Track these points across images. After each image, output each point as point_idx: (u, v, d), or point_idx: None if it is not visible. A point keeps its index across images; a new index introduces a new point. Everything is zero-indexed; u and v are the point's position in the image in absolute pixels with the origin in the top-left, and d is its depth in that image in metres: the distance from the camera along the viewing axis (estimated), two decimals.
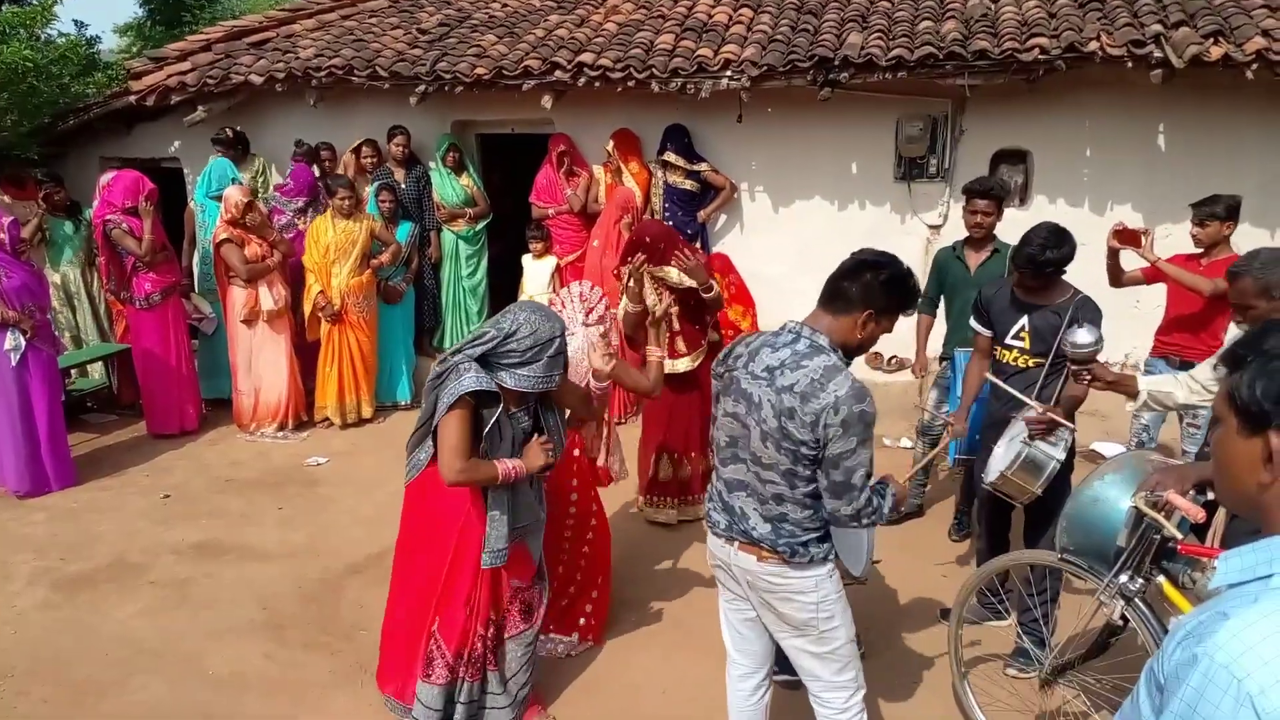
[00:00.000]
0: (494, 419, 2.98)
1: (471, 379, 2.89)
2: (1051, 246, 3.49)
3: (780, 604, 2.55)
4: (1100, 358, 3.22)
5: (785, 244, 7.14)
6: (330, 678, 3.74)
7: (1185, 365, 4.72)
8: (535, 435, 3.13)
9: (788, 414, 2.37)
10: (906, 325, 4.91)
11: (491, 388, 2.93)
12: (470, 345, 2.99)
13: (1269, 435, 1.23)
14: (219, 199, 6.73)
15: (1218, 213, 4.63)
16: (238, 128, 7.37)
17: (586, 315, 3.79)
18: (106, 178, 6.32)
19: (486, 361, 2.97)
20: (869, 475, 2.42)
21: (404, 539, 3.33)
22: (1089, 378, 3.17)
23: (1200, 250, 4.72)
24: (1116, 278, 4.81)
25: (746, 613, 2.74)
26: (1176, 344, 4.85)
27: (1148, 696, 1.25)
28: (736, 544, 2.57)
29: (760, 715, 2.88)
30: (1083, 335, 3.13)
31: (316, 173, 7.26)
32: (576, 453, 3.86)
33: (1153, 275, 4.76)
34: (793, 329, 2.51)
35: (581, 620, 3.94)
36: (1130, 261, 4.77)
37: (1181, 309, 4.79)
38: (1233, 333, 4.23)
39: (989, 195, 4.55)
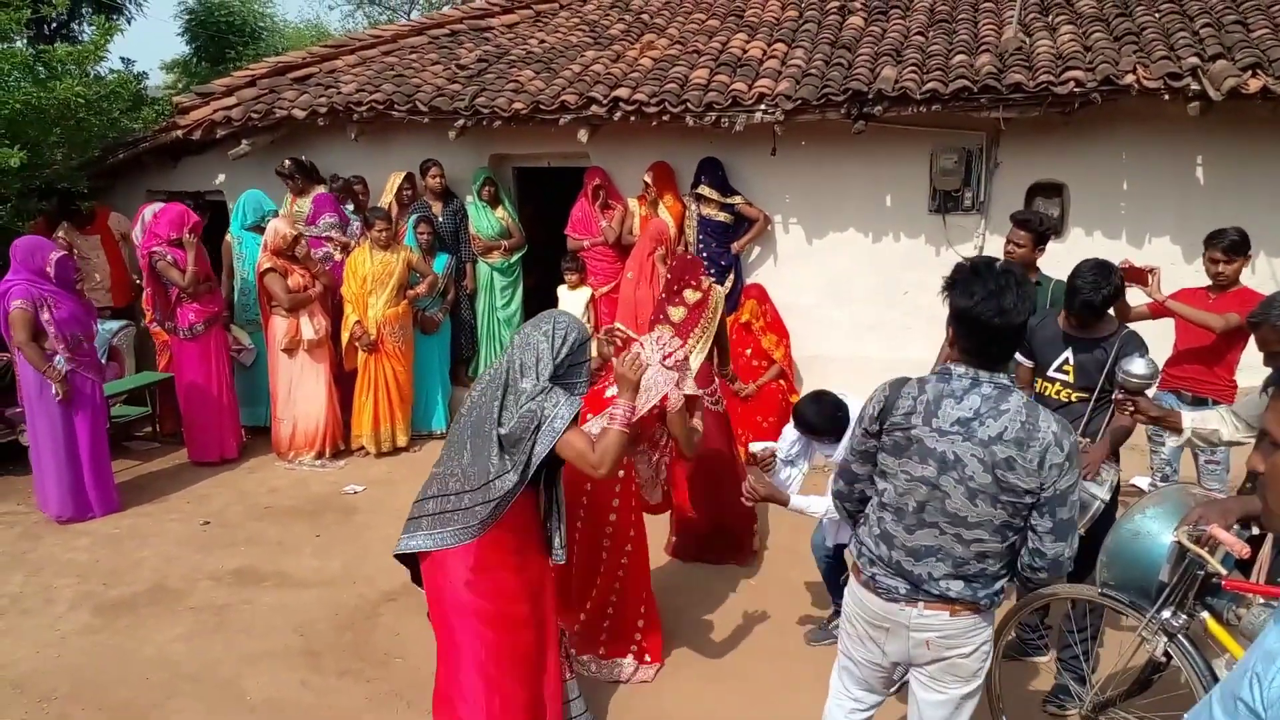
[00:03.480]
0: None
1: (566, 406, 2.86)
2: (1104, 286, 3.47)
3: (962, 657, 2.44)
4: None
5: (818, 275, 7.15)
6: (366, 704, 3.76)
7: (1198, 400, 4.63)
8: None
9: (1005, 465, 2.24)
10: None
11: (579, 405, 2.94)
12: (537, 369, 2.90)
13: None
14: (256, 229, 6.88)
15: (1243, 246, 4.55)
16: (302, 157, 7.49)
17: (664, 360, 3.81)
18: (152, 210, 6.48)
19: (558, 379, 2.93)
20: None
21: (520, 581, 3.05)
22: (1133, 409, 3.14)
23: (1224, 284, 4.63)
24: (1123, 314, 4.70)
25: (882, 672, 2.63)
26: (1189, 378, 4.73)
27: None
28: (921, 604, 2.41)
29: None
30: (1140, 366, 3.12)
31: (350, 206, 7.37)
32: (619, 472, 3.83)
33: (1159, 311, 4.67)
34: (964, 374, 2.33)
35: (635, 642, 3.92)
36: (1136, 297, 4.66)
37: (1192, 342, 4.69)
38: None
39: (1025, 226, 4.54)
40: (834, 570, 4.15)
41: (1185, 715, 1.40)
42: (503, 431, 2.86)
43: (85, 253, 7.51)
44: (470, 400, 3.02)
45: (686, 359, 3.97)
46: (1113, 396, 3.37)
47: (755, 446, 4.18)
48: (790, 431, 4.06)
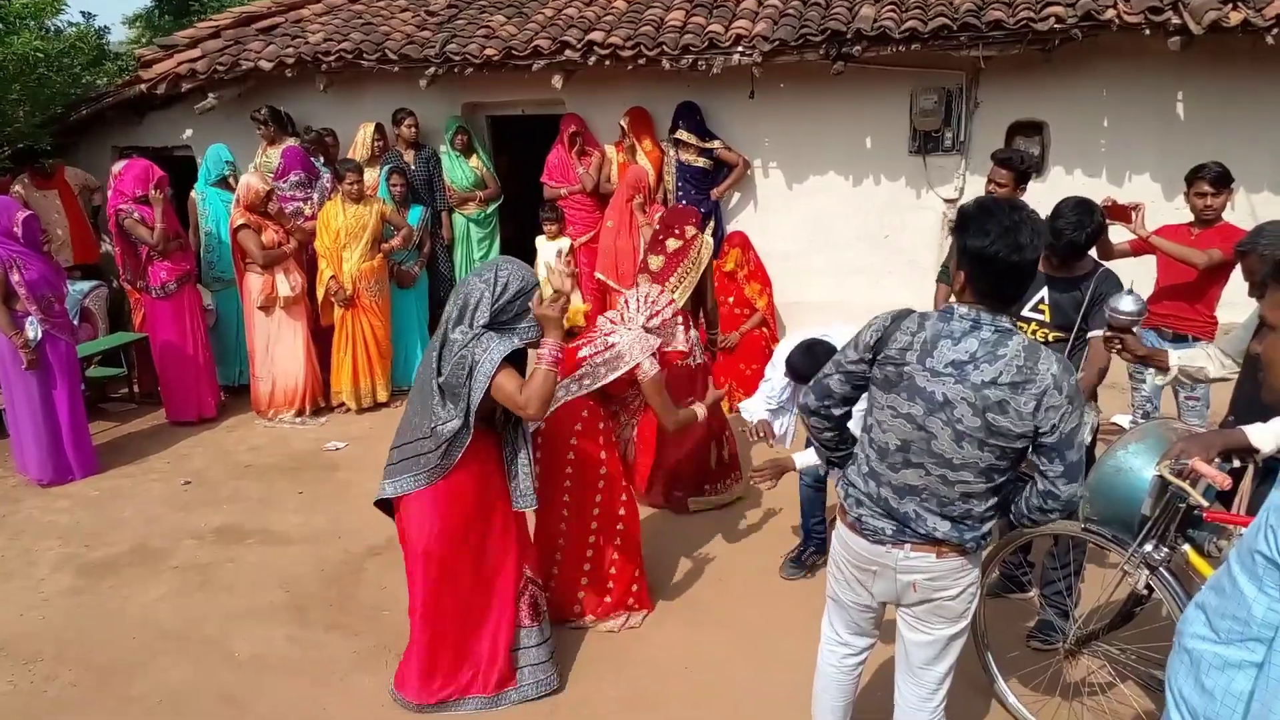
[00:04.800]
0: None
1: (498, 346, 2.93)
2: (1087, 224, 3.44)
3: (949, 599, 2.44)
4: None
5: (799, 221, 7.12)
6: (353, 658, 3.77)
7: (1179, 337, 4.63)
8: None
9: (997, 409, 2.22)
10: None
11: (517, 345, 3.00)
12: (473, 315, 2.99)
13: None
14: (221, 184, 6.75)
15: (1227, 178, 4.51)
16: (279, 107, 7.35)
17: (648, 319, 3.76)
18: (118, 167, 6.33)
19: (495, 326, 3.01)
20: None
21: (465, 526, 3.20)
22: (1119, 346, 3.13)
23: (1210, 218, 4.61)
24: (1106, 252, 4.68)
25: (871, 613, 2.66)
26: (1170, 314, 4.72)
27: (1250, 579, 1.33)
28: (908, 545, 2.40)
29: (856, 684, 2.84)
30: (1128, 303, 3.09)
31: (321, 160, 7.23)
32: (602, 425, 3.81)
33: (1140, 248, 4.64)
34: (966, 315, 2.28)
35: (632, 594, 3.94)
36: (1118, 235, 4.65)
37: (1173, 279, 4.66)
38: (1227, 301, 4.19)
39: (1007, 165, 4.49)
40: (813, 499, 4.22)
41: (1206, 581, 1.48)
42: (440, 380, 2.99)
43: (44, 210, 7.35)
44: (425, 352, 3.12)
45: (676, 316, 3.90)
46: (1101, 334, 3.34)
47: (745, 412, 4.19)
48: (777, 378, 4.06)
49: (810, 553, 4.31)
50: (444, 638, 3.32)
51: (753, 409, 4.17)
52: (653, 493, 4.94)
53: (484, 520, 3.23)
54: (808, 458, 3.71)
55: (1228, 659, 1.44)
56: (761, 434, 4.07)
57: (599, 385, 3.69)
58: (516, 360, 3.05)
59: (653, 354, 3.66)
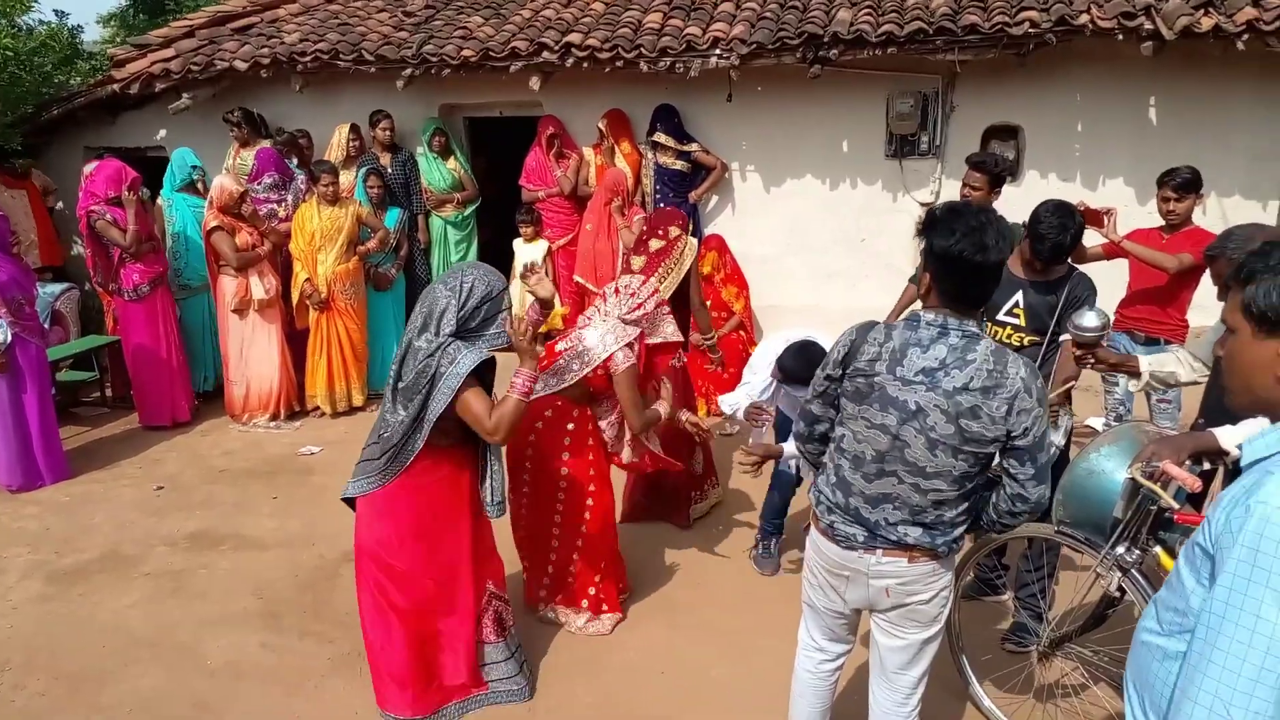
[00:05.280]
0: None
1: (467, 358, 2.88)
2: (1070, 226, 3.45)
3: (922, 604, 2.44)
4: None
5: (776, 224, 7.13)
6: (327, 665, 3.74)
7: (1150, 341, 4.67)
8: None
9: (970, 414, 2.22)
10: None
11: (485, 355, 2.95)
12: (438, 323, 2.93)
13: None
14: (188, 189, 6.68)
15: (1194, 184, 4.57)
16: (253, 110, 7.27)
17: (629, 311, 3.67)
18: (89, 168, 6.25)
19: (463, 334, 2.96)
20: None
21: (409, 535, 3.15)
22: (1092, 360, 3.15)
23: (1175, 223, 4.64)
24: (1079, 256, 4.70)
25: (845, 620, 2.66)
26: (1142, 318, 4.77)
27: (1191, 570, 1.40)
28: (880, 550, 2.40)
29: (833, 689, 2.84)
30: (1090, 319, 3.10)
31: (294, 161, 7.17)
32: (570, 426, 3.76)
33: (1113, 251, 4.69)
34: (932, 321, 2.29)
35: (588, 596, 3.89)
36: (1091, 239, 4.68)
37: (1145, 283, 4.71)
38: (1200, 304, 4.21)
39: (981, 169, 4.52)
40: (777, 506, 4.28)
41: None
42: (401, 385, 2.95)
43: (13, 210, 7.26)
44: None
45: (660, 306, 3.81)
46: (1069, 346, 3.37)
47: (725, 405, 4.17)
48: (757, 381, 4.04)
49: (776, 541, 4.35)
50: (400, 649, 3.22)
51: (735, 400, 4.15)
52: (645, 515, 4.82)
53: (437, 530, 3.17)
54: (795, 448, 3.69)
55: (1167, 650, 1.48)
56: (754, 417, 3.99)
57: (570, 381, 3.63)
58: (483, 369, 3.01)
59: (628, 345, 3.58)
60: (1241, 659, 1.29)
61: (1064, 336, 3.47)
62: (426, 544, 3.17)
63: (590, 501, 3.80)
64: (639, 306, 3.69)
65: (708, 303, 6.25)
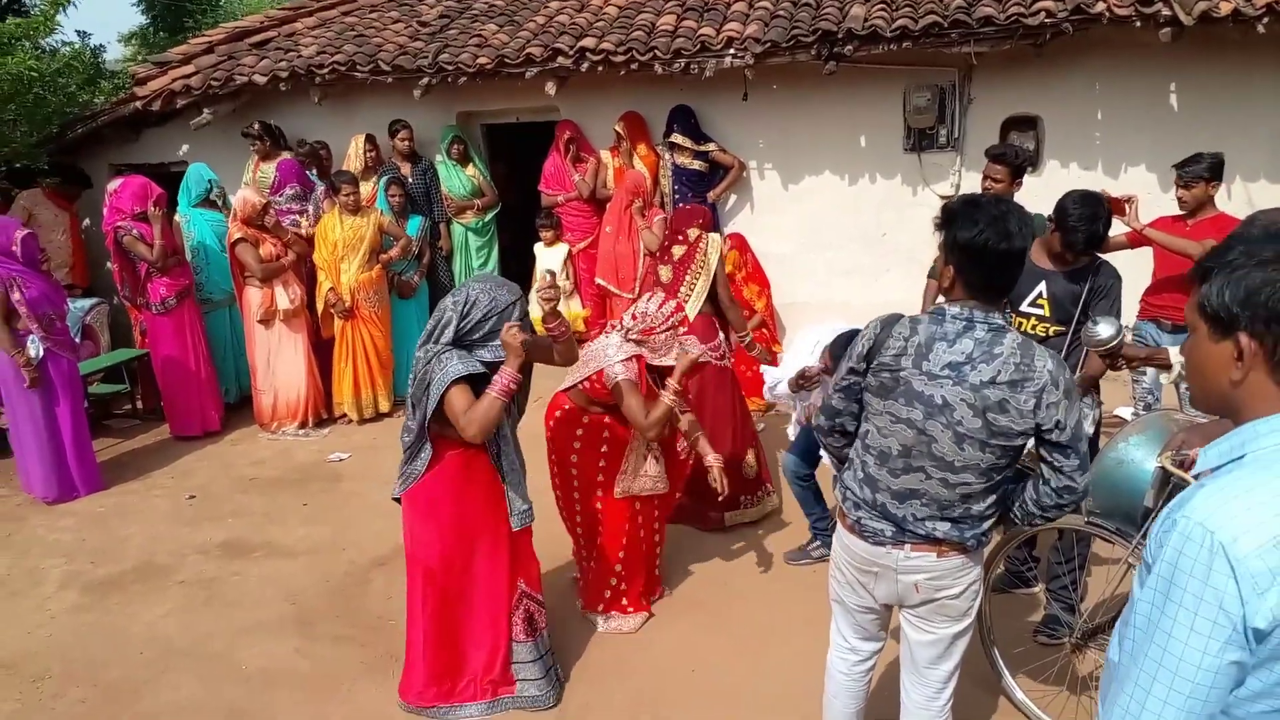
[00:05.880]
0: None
1: (456, 365, 2.97)
2: (1101, 214, 3.43)
3: (952, 598, 2.43)
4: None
5: (796, 221, 7.12)
6: (360, 669, 3.77)
7: (1178, 328, 4.63)
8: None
9: (997, 408, 2.20)
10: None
11: (477, 369, 3.00)
12: (439, 333, 3.06)
13: (1238, 336, 1.33)
14: (205, 204, 6.76)
15: (1202, 173, 4.52)
16: (271, 123, 7.36)
17: (641, 333, 3.67)
18: (114, 185, 6.34)
19: (462, 344, 3.05)
20: None
21: (450, 533, 3.24)
22: (1121, 363, 3.13)
23: (1185, 211, 4.60)
24: (1103, 245, 4.68)
25: (875, 615, 2.65)
26: (1168, 305, 4.73)
27: (1138, 580, 1.35)
28: (908, 545, 2.39)
29: (867, 689, 2.83)
30: (1104, 330, 3.08)
31: (314, 172, 7.24)
32: (580, 430, 3.83)
33: (1137, 240, 4.64)
34: (958, 315, 2.27)
35: (603, 603, 3.97)
36: (1114, 227, 4.65)
37: (1171, 270, 4.67)
38: None
39: (1001, 161, 4.50)
40: (806, 492, 4.28)
41: None
42: (410, 393, 3.13)
43: (51, 228, 7.39)
44: None
45: (677, 329, 3.75)
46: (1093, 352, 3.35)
47: (767, 387, 4.22)
48: (795, 365, 4.07)
49: (816, 545, 4.35)
50: (431, 643, 3.35)
51: (780, 375, 4.19)
52: (686, 514, 4.71)
53: (469, 533, 3.25)
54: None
55: (1112, 660, 1.45)
56: (805, 378, 3.96)
57: (571, 383, 3.75)
58: (481, 380, 3.03)
59: (625, 360, 3.58)
60: (1152, 678, 1.26)
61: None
62: (463, 545, 3.26)
63: (599, 506, 3.88)
64: (649, 331, 3.67)
65: None
